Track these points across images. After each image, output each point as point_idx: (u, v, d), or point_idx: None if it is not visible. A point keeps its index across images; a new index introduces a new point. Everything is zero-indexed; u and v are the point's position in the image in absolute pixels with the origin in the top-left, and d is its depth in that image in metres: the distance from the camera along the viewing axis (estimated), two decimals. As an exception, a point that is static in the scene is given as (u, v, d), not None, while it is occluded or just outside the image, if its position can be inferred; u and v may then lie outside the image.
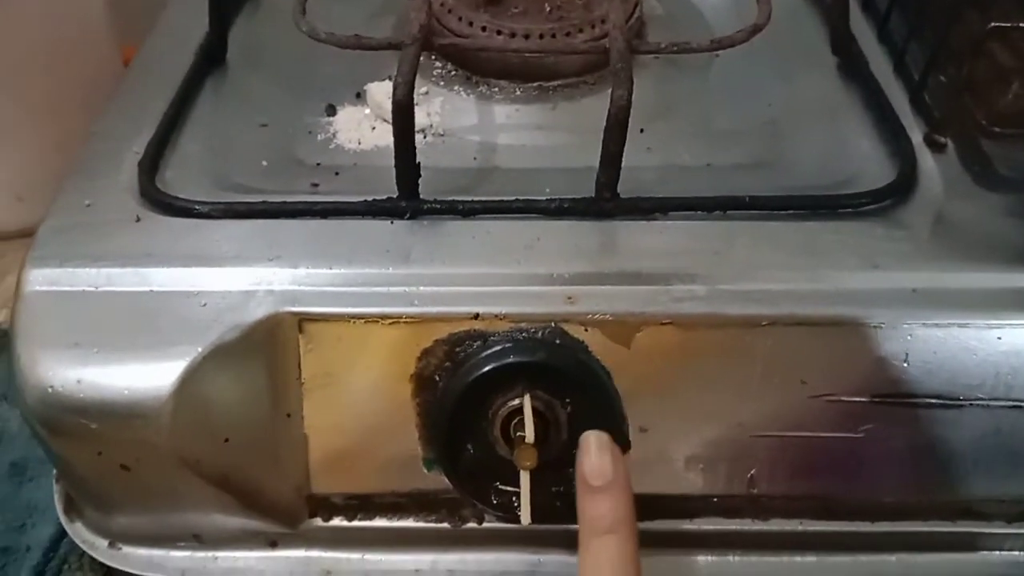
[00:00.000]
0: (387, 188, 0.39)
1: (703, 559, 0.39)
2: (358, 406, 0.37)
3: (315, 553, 0.39)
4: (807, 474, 0.37)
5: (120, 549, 0.39)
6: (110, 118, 0.44)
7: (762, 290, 0.36)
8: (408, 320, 0.35)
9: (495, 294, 0.36)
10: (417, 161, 0.38)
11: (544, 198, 0.39)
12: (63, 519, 0.40)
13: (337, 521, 0.39)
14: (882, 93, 0.44)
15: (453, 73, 0.48)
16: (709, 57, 0.48)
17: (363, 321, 0.36)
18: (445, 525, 0.38)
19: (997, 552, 0.38)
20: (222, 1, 0.47)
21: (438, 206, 0.39)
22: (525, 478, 0.34)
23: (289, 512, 0.38)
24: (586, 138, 0.41)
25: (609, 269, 0.36)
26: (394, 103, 0.37)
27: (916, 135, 0.42)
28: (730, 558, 0.39)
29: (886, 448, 0.36)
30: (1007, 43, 0.45)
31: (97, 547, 0.39)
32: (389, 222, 0.38)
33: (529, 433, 0.34)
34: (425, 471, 0.37)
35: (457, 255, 0.37)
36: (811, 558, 0.38)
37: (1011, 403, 0.36)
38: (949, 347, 0.35)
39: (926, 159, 0.41)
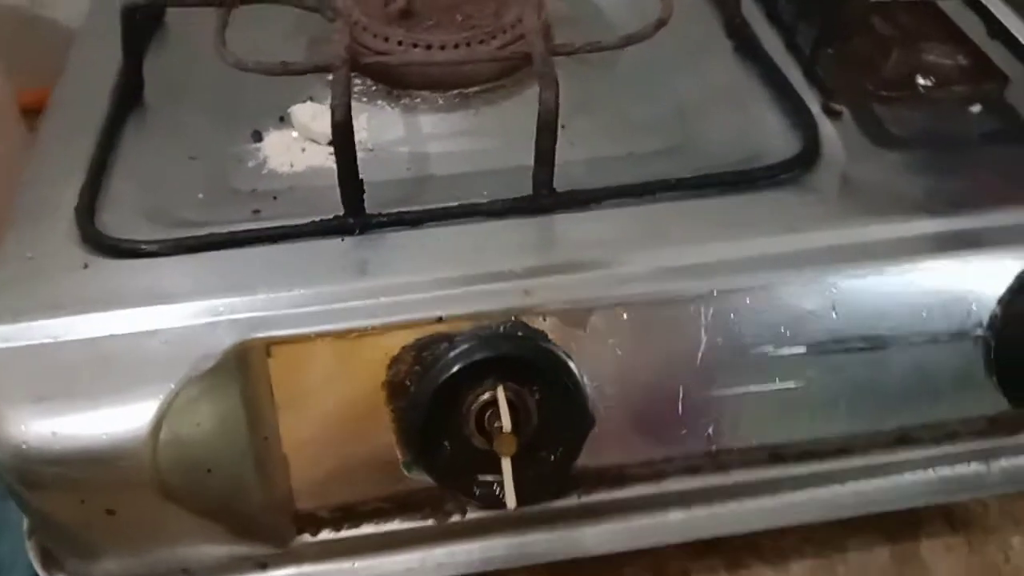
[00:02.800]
0: (329, 206, 0.40)
1: (673, 517, 0.41)
2: (334, 420, 0.38)
3: (306, 569, 0.40)
4: (758, 424, 0.40)
5: (107, 595, 0.39)
6: (38, 165, 0.44)
7: (698, 264, 0.39)
8: (374, 331, 0.37)
9: (455, 296, 0.37)
10: (360, 177, 0.40)
11: (486, 200, 0.41)
12: (42, 574, 0.40)
13: (325, 534, 0.40)
14: (778, 70, 0.47)
15: (374, 88, 0.49)
16: (616, 53, 0.51)
17: (330, 338, 0.37)
18: (430, 522, 0.40)
19: (931, 470, 0.43)
20: (136, 39, 0.47)
21: (385, 219, 0.40)
22: (507, 465, 0.36)
23: (277, 532, 0.39)
24: (511, 139, 0.43)
25: (558, 260, 0.39)
26: (334, 124, 0.38)
27: (814, 106, 0.46)
28: (697, 512, 0.41)
29: (825, 392, 0.40)
30: (886, 16, 0.50)
31: (83, 596, 0.39)
32: (340, 240, 0.40)
33: (506, 422, 0.36)
34: (406, 473, 0.39)
35: (412, 263, 0.39)
36: (770, 501, 0.42)
37: (928, 338, 0.39)
38: (870, 295, 0.39)
39: (826, 127, 0.44)
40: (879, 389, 0.40)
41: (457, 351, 0.37)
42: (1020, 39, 0.45)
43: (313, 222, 0.40)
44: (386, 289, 0.38)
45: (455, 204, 0.41)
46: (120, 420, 0.35)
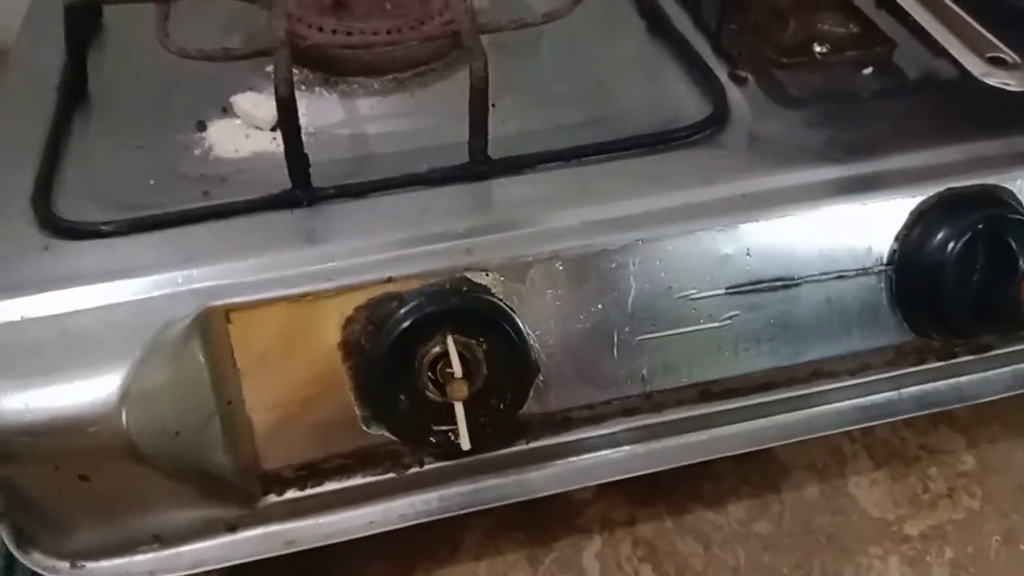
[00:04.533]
0: (276, 185, 0.43)
1: (614, 456, 0.45)
2: (294, 382, 0.40)
3: (274, 528, 0.42)
4: (688, 365, 0.44)
5: (83, 567, 0.41)
6: (-11, 161, 0.45)
7: (624, 216, 0.42)
8: (327, 294, 0.39)
9: (402, 257, 0.40)
10: (305, 152, 0.42)
11: (426, 169, 0.44)
12: (17, 554, 0.41)
13: (291, 493, 0.42)
14: (688, 44, 0.51)
15: (312, 77, 0.51)
16: (536, 36, 0.54)
17: (286, 302, 0.39)
18: (390, 475, 0.42)
19: (847, 402, 0.46)
20: (78, 35, 0.49)
21: (332, 191, 0.42)
22: (460, 409, 0.39)
23: (244, 493, 0.41)
24: (446, 118, 0.46)
25: (497, 220, 0.42)
26: (278, 99, 0.40)
27: (722, 74, 0.50)
28: (636, 449, 0.45)
29: (746, 331, 0.43)
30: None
31: (59, 570, 0.41)
32: (289, 212, 0.42)
33: (457, 368, 0.38)
34: (365, 429, 0.41)
35: (360, 230, 0.41)
36: (703, 436, 0.45)
37: (835, 274, 0.43)
38: (780, 237, 0.43)
39: (733, 92, 0.48)
40: (795, 325, 0.44)
41: (407, 308, 0.39)
42: (904, 7, 0.50)
43: (262, 197, 0.42)
44: (336, 254, 0.40)
45: (396, 175, 0.43)
46: (90, 388, 0.36)
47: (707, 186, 0.43)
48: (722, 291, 0.43)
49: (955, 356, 0.46)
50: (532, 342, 0.41)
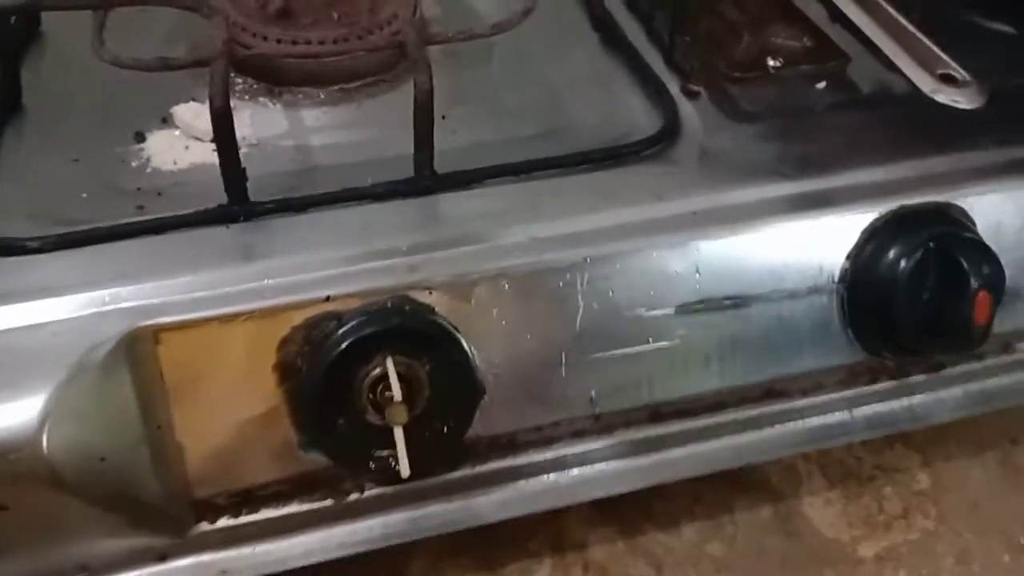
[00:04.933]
0: (214, 199, 0.41)
1: (563, 480, 0.43)
2: (227, 405, 0.39)
3: (206, 557, 0.40)
4: (637, 385, 0.43)
5: (3, 600, 0.39)
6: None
7: (571, 233, 0.41)
8: (262, 313, 0.38)
9: (342, 275, 0.39)
10: (243, 166, 0.41)
11: (369, 184, 0.42)
12: (-67, 583, 0.39)
13: (224, 521, 0.40)
14: (640, 57, 0.50)
15: (256, 87, 0.50)
16: (488, 47, 0.53)
17: (218, 322, 0.38)
18: (329, 502, 0.41)
19: (799, 422, 0.46)
20: (10, 43, 0.47)
21: (270, 205, 0.41)
22: (399, 434, 0.37)
23: (175, 522, 0.39)
24: (393, 130, 0.45)
25: (441, 237, 0.40)
26: (213, 113, 0.39)
27: (674, 88, 0.49)
28: (585, 472, 0.43)
29: (696, 350, 0.43)
30: (735, 3, 0.54)
31: (-22, 603, 0.39)
32: (225, 228, 0.40)
33: (396, 392, 0.37)
34: (302, 454, 0.40)
35: (298, 246, 0.40)
36: (652, 458, 0.44)
37: (786, 293, 0.43)
38: (731, 255, 0.42)
39: (685, 106, 0.48)
40: (746, 345, 0.43)
41: (346, 328, 0.38)
42: (856, 22, 0.49)
43: (196, 211, 0.40)
44: (273, 271, 0.39)
45: (339, 189, 0.42)
46: (9, 412, 0.35)
47: (657, 202, 0.42)
48: (672, 310, 0.42)
49: (907, 375, 0.46)
50: (477, 363, 0.40)
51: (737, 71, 0.50)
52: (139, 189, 0.44)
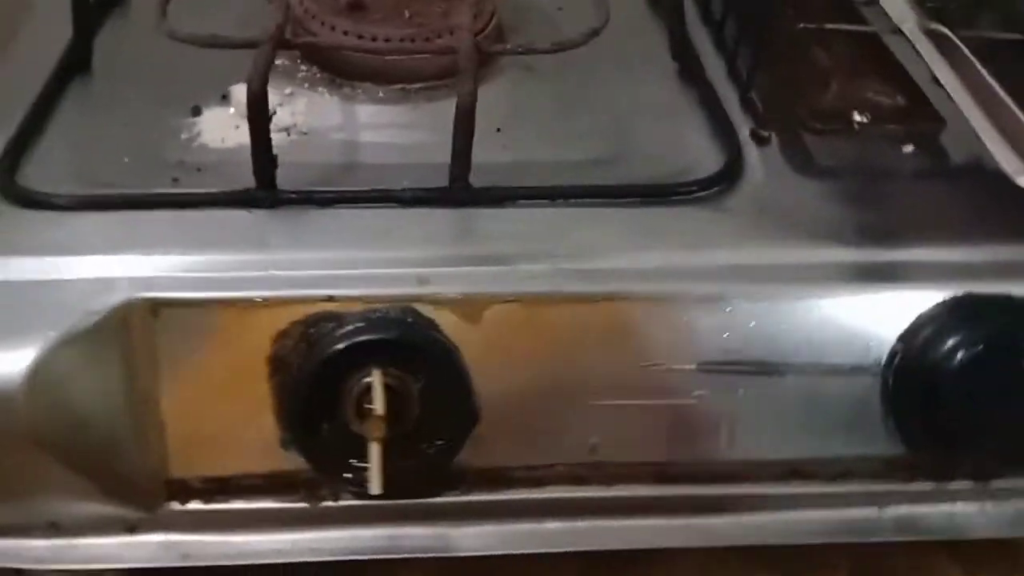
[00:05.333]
0: (247, 183, 0.41)
1: (553, 526, 0.41)
2: (216, 390, 0.38)
3: (174, 537, 0.39)
4: (645, 440, 0.40)
5: (-28, 543, 0.39)
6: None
7: (598, 268, 0.39)
8: (263, 303, 0.37)
9: (348, 277, 0.37)
10: (274, 154, 0.40)
11: (399, 188, 0.41)
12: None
13: (195, 504, 0.39)
14: (714, 93, 0.47)
15: (319, 76, 0.50)
16: (562, 63, 0.51)
17: (218, 305, 0.37)
18: (303, 505, 0.39)
19: (822, 511, 0.42)
20: (85, 8, 0.48)
21: (295, 196, 0.40)
22: (375, 449, 0.36)
23: (147, 496, 0.39)
24: (445, 136, 0.43)
25: (458, 252, 0.39)
26: (249, 95, 0.38)
27: (745, 131, 0.46)
28: (578, 524, 0.41)
29: (716, 413, 0.39)
30: (827, 45, 0.50)
31: (-52, 542, 0.39)
32: (247, 212, 0.40)
33: (379, 405, 0.35)
34: (282, 451, 0.38)
35: (312, 241, 0.39)
36: (653, 521, 0.41)
37: (825, 368, 0.39)
38: (769, 317, 0.39)
39: (751, 152, 0.44)
40: (771, 417, 0.40)
41: (343, 331, 0.37)
42: (945, 84, 0.44)
43: (222, 192, 0.40)
44: (282, 263, 0.38)
45: (367, 189, 0.41)
46: (-3, 363, 0.35)
47: (697, 249, 0.40)
48: (694, 366, 0.39)
49: (950, 479, 0.41)
50: (476, 388, 0.38)
51: (817, 121, 0.46)
52: (182, 162, 0.44)
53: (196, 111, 0.47)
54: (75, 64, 0.48)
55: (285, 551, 0.40)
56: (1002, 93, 0.37)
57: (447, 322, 0.38)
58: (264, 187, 0.40)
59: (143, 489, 0.39)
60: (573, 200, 0.41)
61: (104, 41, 0.51)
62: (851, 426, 0.40)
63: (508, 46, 0.43)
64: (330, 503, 0.39)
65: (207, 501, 0.39)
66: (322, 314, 0.37)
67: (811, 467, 0.41)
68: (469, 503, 0.40)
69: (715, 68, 0.50)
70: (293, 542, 0.40)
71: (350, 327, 0.37)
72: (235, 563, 0.39)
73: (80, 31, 0.48)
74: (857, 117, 0.47)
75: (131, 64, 0.50)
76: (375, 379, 0.36)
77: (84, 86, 0.48)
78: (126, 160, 0.44)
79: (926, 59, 0.38)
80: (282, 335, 0.37)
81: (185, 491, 0.39)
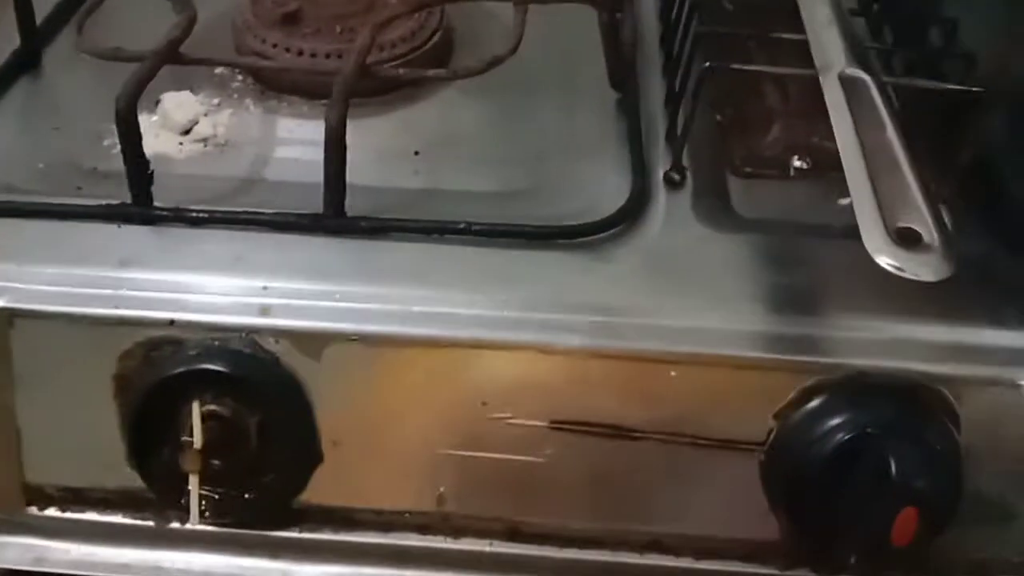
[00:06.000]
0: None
1: (400, 570, 0.39)
2: (68, 403, 0.38)
3: (28, 541, 0.40)
4: (493, 494, 0.38)
5: None
6: None
7: (451, 313, 0.37)
8: (108, 321, 0.37)
9: (193, 302, 0.37)
10: (150, 170, 0.40)
11: (272, 211, 0.40)
12: None
13: (51, 511, 0.40)
14: (638, 127, 0.44)
15: (251, 87, 0.49)
16: (502, 85, 0.48)
17: (69, 320, 0.37)
18: (151, 523, 0.39)
19: (686, 587, 0.39)
20: (29, 9, 0.49)
21: (167, 213, 0.40)
22: (193, 481, 0.35)
23: (6, 499, 0.40)
24: (364, 156, 0.42)
25: (307, 285, 0.37)
26: (116, 114, 0.38)
27: (660, 171, 0.43)
28: (425, 574, 0.39)
29: (567, 473, 0.37)
30: (781, 83, 0.46)
31: None
32: (116, 227, 0.40)
33: (196, 437, 0.35)
34: (129, 469, 0.38)
35: (169, 261, 0.38)
36: (505, 578, 0.39)
37: (689, 439, 0.36)
38: (631, 379, 0.36)
39: (658, 195, 0.41)
40: (630, 484, 0.37)
41: (180, 357, 0.36)
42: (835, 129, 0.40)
43: (96, 205, 0.40)
44: (132, 282, 0.38)
45: (239, 210, 0.40)
46: None
47: (564, 297, 0.37)
48: (545, 423, 0.36)
49: (832, 572, 0.37)
50: (319, 426, 0.37)
51: (749, 164, 0.43)
52: (94, 170, 0.44)
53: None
54: (21, 67, 0.50)
55: (132, 567, 0.40)
56: (901, 154, 0.32)
57: (289, 356, 0.37)
58: (137, 202, 0.40)
59: (2, 493, 0.39)
60: (449, 236, 0.39)
61: (58, 48, 0.52)
62: (722, 504, 0.37)
63: (401, 71, 0.41)
64: (176, 525, 0.39)
65: (62, 509, 0.40)
66: (163, 338, 0.37)
67: (674, 541, 0.38)
68: (313, 541, 0.39)
69: (659, 98, 0.47)
70: (141, 558, 0.40)
71: (187, 353, 0.36)
72: (83, 573, 0.40)
73: (26, 34, 0.50)
74: (796, 162, 0.43)
75: (80, 68, 0.51)
76: (194, 410, 0.35)
77: (27, 89, 0.49)
78: (40, 166, 0.45)
79: (829, 108, 0.34)
80: (126, 355, 0.37)
81: (42, 497, 0.40)
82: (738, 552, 0.38)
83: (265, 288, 0.37)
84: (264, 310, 0.37)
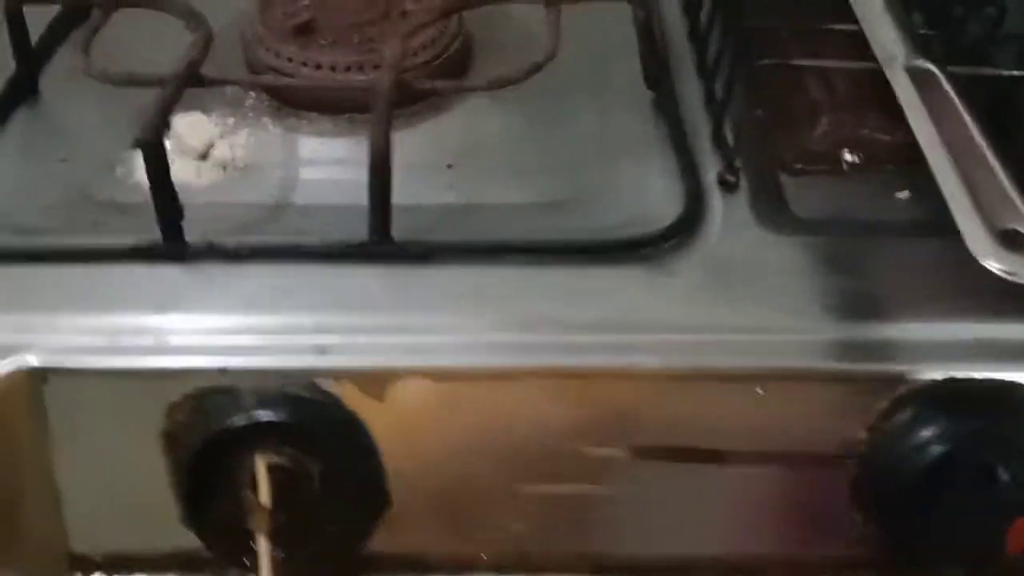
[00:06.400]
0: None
1: (476, 614, 0.38)
2: (111, 462, 0.36)
3: (77, 611, 0.38)
4: (575, 529, 0.36)
5: None
6: None
7: (520, 341, 0.35)
8: (155, 374, 0.34)
9: (245, 346, 0.35)
10: (179, 204, 0.37)
11: (316, 241, 0.38)
12: None
13: (97, 578, 0.37)
14: (682, 128, 0.42)
15: (265, 104, 0.47)
16: (529, 89, 0.46)
17: (108, 375, 0.35)
18: (209, 583, 0.37)
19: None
20: (25, 36, 0.46)
21: (202, 249, 0.37)
22: (263, 541, 0.33)
23: (50, 570, 0.37)
24: (394, 171, 0.39)
25: (365, 319, 0.35)
26: (142, 144, 0.36)
27: (712, 174, 0.41)
28: (503, 613, 0.37)
29: (650, 502, 0.35)
30: (824, 75, 0.44)
31: None
32: (150, 267, 0.37)
33: (264, 496, 0.33)
34: (184, 529, 0.36)
35: (213, 303, 0.36)
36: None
37: (775, 458, 0.34)
38: (714, 401, 0.34)
39: (714, 200, 0.40)
40: (718, 510, 0.35)
41: (235, 407, 0.34)
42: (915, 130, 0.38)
43: (125, 246, 0.37)
44: (177, 329, 0.35)
45: (280, 242, 0.38)
46: None
47: (635, 320, 0.35)
48: (625, 451, 0.35)
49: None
50: (385, 470, 0.35)
51: (800, 161, 0.41)
52: (109, 200, 0.42)
53: (137, 143, 0.45)
54: (19, 95, 0.46)
55: (190, 630, 0.38)
56: (987, 150, 0.31)
57: (351, 397, 0.34)
58: (169, 239, 0.37)
59: (46, 563, 0.37)
60: (501, 256, 0.37)
61: (58, 68, 0.49)
62: (811, 521, 0.36)
63: (436, 84, 0.39)
64: (237, 582, 0.37)
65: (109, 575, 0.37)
66: (215, 388, 0.34)
67: (764, 565, 0.36)
68: (385, 588, 0.37)
69: (697, 96, 0.45)
70: (199, 620, 0.38)
71: (242, 403, 0.34)
72: (136, 640, 0.37)
73: (23, 62, 0.46)
74: (848, 156, 0.41)
75: (80, 93, 0.47)
76: (259, 466, 0.33)
77: (28, 118, 0.46)
78: (51, 201, 0.42)
79: (902, 103, 0.33)
80: (174, 409, 0.35)
81: (88, 565, 0.37)
82: (830, 570, 0.36)
83: (319, 325, 0.35)
84: (321, 349, 0.34)
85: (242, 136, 0.45)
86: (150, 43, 0.45)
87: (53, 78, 0.48)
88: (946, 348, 0.34)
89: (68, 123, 0.46)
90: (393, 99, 0.37)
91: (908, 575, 0.36)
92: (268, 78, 0.44)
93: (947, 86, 0.33)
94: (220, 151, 0.44)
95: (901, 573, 0.36)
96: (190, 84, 0.39)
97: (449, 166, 0.44)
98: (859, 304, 0.35)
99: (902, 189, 0.40)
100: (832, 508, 0.35)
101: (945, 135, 0.32)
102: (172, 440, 0.35)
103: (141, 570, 0.37)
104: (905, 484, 0.33)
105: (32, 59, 0.47)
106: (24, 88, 0.47)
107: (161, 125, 0.36)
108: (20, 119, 0.46)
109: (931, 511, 0.33)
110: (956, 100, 0.33)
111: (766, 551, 0.36)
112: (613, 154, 0.44)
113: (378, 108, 0.36)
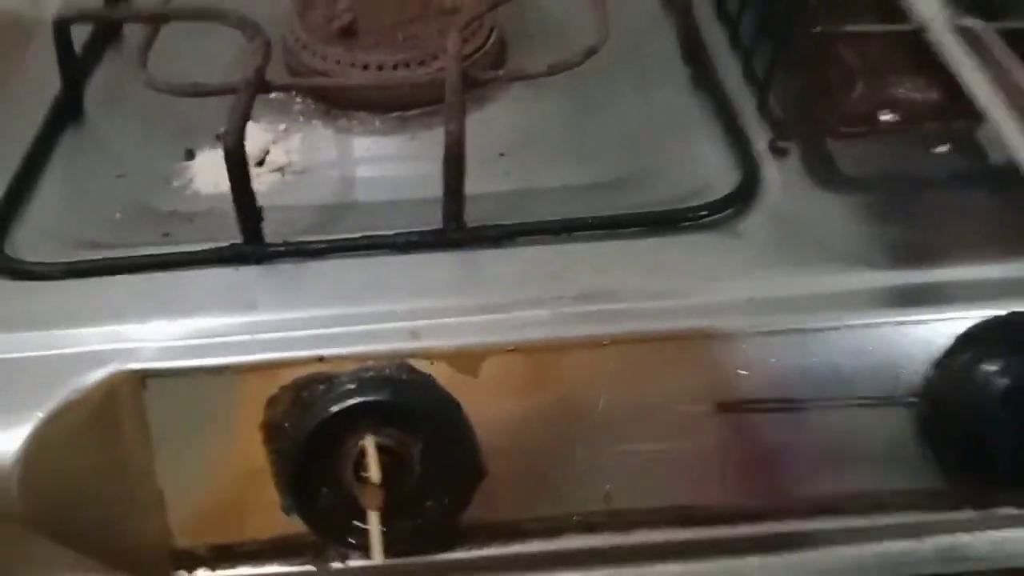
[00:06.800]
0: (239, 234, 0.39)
1: (569, 574, 0.39)
2: (212, 458, 0.37)
3: (182, 606, 0.39)
4: (662, 485, 0.37)
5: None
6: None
7: (603, 310, 0.36)
8: (251, 368, 0.35)
9: (339, 335, 0.36)
10: (259, 205, 0.39)
11: (392, 233, 0.39)
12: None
13: (202, 573, 0.38)
14: (728, 102, 0.44)
15: (313, 107, 0.48)
16: (569, 75, 0.48)
17: (207, 373, 0.36)
18: (311, 568, 0.38)
19: (856, 546, 0.39)
20: (71, 57, 0.47)
21: (283, 249, 0.39)
22: (373, 518, 0.34)
23: (153, 567, 0.38)
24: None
25: (453, 301, 0.37)
26: (225, 151, 0.37)
27: (761, 142, 0.43)
28: (596, 573, 0.39)
29: (737, 454, 0.37)
30: (857, 45, 0.46)
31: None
32: (234, 269, 0.38)
33: (374, 474, 0.34)
34: (285, 516, 0.37)
35: (301, 298, 0.37)
36: (676, 567, 0.39)
37: (851, 402, 0.36)
38: (789, 351, 0.36)
39: (769, 166, 0.41)
40: (796, 455, 0.37)
41: (335, 394, 0.35)
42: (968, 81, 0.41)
43: (208, 250, 0.39)
44: (269, 324, 0.36)
45: (357, 236, 0.39)
46: (-16, 448, 0.34)
47: (709, 281, 0.37)
48: (709, 407, 0.36)
49: (996, 505, 0.38)
50: (480, 443, 0.36)
51: (842, 123, 0.43)
52: (173, 212, 0.43)
53: (189, 155, 0.46)
54: (66, 114, 0.47)
55: (296, 614, 0.39)
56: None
57: (445, 376, 0.36)
58: (251, 242, 0.38)
59: (148, 561, 0.38)
60: (574, 234, 0.39)
61: (98, 85, 0.50)
62: (883, 460, 0.37)
63: (500, 73, 0.40)
64: (338, 564, 0.38)
65: (214, 568, 0.38)
66: (313, 376, 0.35)
67: (840, 503, 0.38)
68: (481, 558, 0.38)
69: (731, 70, 0.47)
70: (303, 605, 0.39)
71: (342, 389, 0.35)
72: (245, 629, 0.38)
73: (68, 80, 0.47)
74: (885, 117, 0.43)
75: (124, 109, 0.49)
76: (368, 446, 0.34)
77: (76, 137, 0.47)
78: (117, 216, 0.43)
79: (952, 62, 0.35)
80: (274, 400, 0.36)
81: (191, 560, 0.38)
82: (902, 503, 0.38)
83: (409, 312, 0.36)
84: (415, 333, 0.36)
85: (295, 141, 0.46)
86: (184, 55, 0.46)
87: (95, 95, 0.49)
88: (1005, 285, 0.36)
89: (118, 140, 0.47)
90: (464, 90, 0.38)
91: (976, 506, 0.38)
92: (324, 80, 0.45)
93: (997, 43, 0.35)
94: (276, 156, 0.46)
95: (970, 504, 0.38)
96: (261, 90, 0.40)
97: (502, 154, 0.45)
98: (919, 250, 0.37)
99: (940, 144, 0.42)
100: (903, 445, 0.37)
101: (1003, 91, 0.33)
102: (272, 431, 0.36)
103: (243, 561, 0.38)
104: (973, 418, 0.35)
105: (78, 78, 0.48)
106: (69, 107, 0.48)
107: (242, 130, 0.37)
108: (70, 138, 0.47)
109: (998, 443, 0.35)
110: (1009, 56, 0.35)
111: (844, 489, 0.38)
112: (660, 131, 0.45)
113: (451, 100, 0.38)
